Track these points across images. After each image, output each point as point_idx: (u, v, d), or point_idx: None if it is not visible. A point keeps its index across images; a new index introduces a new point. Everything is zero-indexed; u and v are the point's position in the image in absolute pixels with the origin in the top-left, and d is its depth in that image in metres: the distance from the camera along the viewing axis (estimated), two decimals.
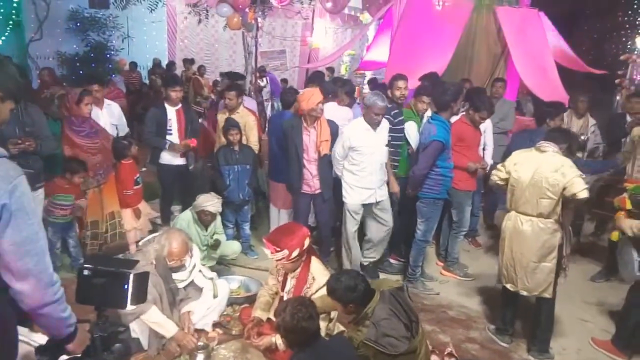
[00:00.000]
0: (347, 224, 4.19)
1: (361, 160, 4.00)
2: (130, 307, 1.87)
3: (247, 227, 4.87)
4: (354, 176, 4.06)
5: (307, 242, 3.11)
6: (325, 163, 4.21)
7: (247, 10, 7.82)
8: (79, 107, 4.07)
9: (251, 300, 3.66)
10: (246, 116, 4.93)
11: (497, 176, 3.49)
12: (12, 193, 1.47)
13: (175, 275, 3.29)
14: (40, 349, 1.76)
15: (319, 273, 3.14)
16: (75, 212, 4.06)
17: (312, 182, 4.26)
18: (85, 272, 1.79)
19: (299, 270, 3.17)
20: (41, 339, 1.82)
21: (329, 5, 8.81)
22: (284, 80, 10.99)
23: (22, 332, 1.76)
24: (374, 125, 3.96)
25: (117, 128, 4.84)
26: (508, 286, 3.43)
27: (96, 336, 1.79)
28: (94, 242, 4.17)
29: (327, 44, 13.73)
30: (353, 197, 4.09)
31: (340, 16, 13.72)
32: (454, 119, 4.23)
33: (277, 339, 2.91)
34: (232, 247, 4.43)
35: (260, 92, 8.47)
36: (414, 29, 7.03)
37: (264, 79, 9.39)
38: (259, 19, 9.77)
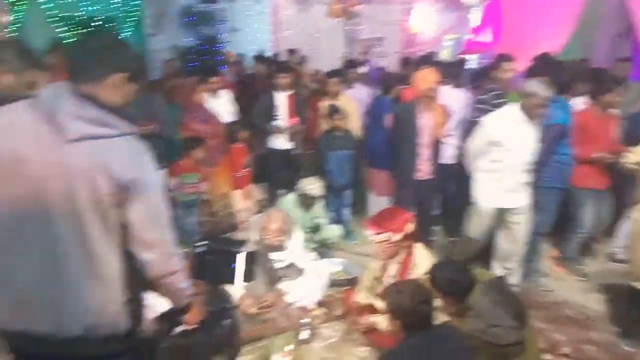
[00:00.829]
0: (471, 225, 3.78)
1: (503, 158, 3.48)
2: (240, 285, 1.96)
3: (347, 212, 4.91)
4: (490, 175, 3.55)
5: (409, 226, 3.05)
6: (437, 148, 4.07)
7: None
8: (195, 96, 4.38)
9: (352, 283, 3.69)
10: (348, 102, 4.97)
11: (629, 159, 3.14)
12: (142, 168, 1.57)
13: (274, 255, 3.38)
14: (160, 318, 1.89)
15: (423, 259, 3.06)
16: (202, 194, 4.39)
17: (423, 168, 4.09)
18: (200, 249, 1.91)
19: (402, 255, 3.12)
20: (166, 305, 1.91)
21: None
22: (382, 68, 10.86)
23: (150, 297, 1.85)
24: (533, 117, 3.41)
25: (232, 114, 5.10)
26: (637, 285, 3.11)
27: (209, 310, 1.90)
28: (209, 220, 4.47)
29: (427, 28, 13.29)
30: (486, 199, 3.61)
31: None
32: (575, 104, 3.89)
33: (382, 322, 2.91)
34: (332, 231, 4.48)
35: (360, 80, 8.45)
36: (525, 7, 6.58)
37: (364, 65, 9.35)
38: (359, 6, 9.73)
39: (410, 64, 7.23)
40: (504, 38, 6.70)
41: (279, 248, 3.38)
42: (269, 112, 4.82)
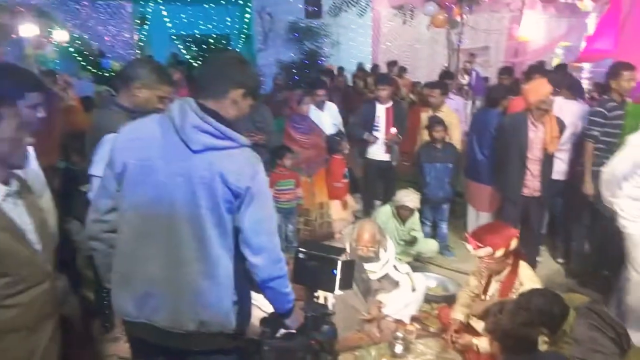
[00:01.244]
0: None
1: None
2: (338, 292, 2.00)
3: (444, 226, 4.79)
4: (637, 204, 3.11)
5: (514, 243, 2.91)
6: (549, 163, 3.87)
7: (452, 6, 7.65)
8: (300, 107, 4.61)
9: (449, 300, 3.60)
10: (450, 114, 4.91)
11: None
12: (255, 178, 1.68)
13: (367, 266, 3.41)
14: (264, 320, 1.99)
15: (528, 279, 2.91)
16: (298, 199, 4.52)
17: (531, 184, 3.91)
18: (301, 255, 1.98)
19: (505, 273, 2.99)
20: (270, 307, 1.98)
21: None
22: (485, 79, 10.46)
23: (258, 298, 1.93)
24: None
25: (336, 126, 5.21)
26: None
27: (308, 315, 1.96)
28: (306, 228, 4.63)
29: (537, 36, 12.59)
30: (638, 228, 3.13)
31: (555, 5, 12.42)
32: None
33: (480, 343, 2.81)
34: (428, 245, 4.39)
35: (460, 90, 8.22)
36: None
37: (467, 76, 9.09)
38: (465, 15, 9.47)
39: (511, 73, 6.89)
40: (623, 46, 6.16)
41: (371, 259, 3.41)
42: (369, 123, 4.88)
